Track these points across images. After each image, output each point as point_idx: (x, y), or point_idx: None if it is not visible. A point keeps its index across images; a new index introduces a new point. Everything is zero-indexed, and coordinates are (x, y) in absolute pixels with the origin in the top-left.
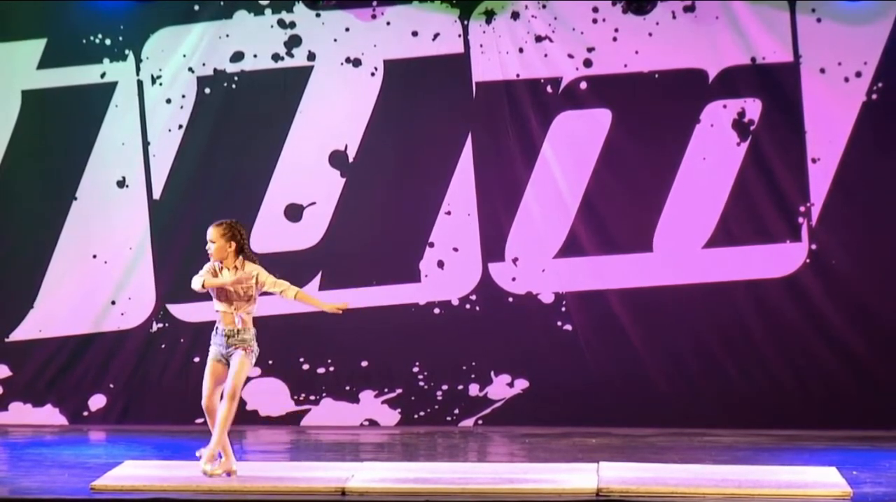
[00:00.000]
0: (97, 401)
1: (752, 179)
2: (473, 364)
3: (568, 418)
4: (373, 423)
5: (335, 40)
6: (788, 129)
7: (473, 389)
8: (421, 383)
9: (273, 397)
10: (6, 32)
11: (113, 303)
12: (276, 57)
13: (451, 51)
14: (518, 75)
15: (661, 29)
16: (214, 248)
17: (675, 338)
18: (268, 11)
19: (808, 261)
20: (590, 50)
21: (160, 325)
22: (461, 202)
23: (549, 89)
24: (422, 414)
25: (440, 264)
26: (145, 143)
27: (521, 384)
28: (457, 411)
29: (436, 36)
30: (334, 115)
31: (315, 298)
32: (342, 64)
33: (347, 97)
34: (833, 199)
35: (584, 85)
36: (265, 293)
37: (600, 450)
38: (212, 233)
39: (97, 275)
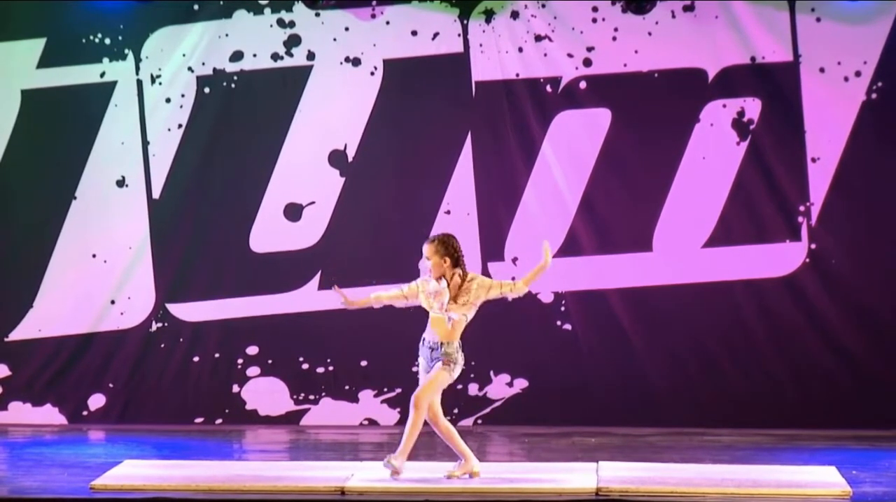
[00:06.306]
0: (96, 401)
1: (751, 179)
2: (473, 363)
3: (567, 418)
4: (372, 423)
5: (334, 40)
6: (788, 129)
7: (473, 388)
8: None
9: (272, 396)
10: (5, 31)
11: (112, 302)
12: (275, 56)
13: (450, 50)
14: (518, 75)
15: (661, 28)
16: (431, 265)
17: (674, 337)
18: (267, 11)
19: (807, 260)
20: (589, 49)
21: (159, 325)
22: (461, 201)
23: (548, 89)
24: None
25: None
26: (145, 143)
27: (521, 383)
28: (456, 410)
29: (435, 35)
30: (334, 114)
31: (534, 272)
32: (342, 63)
33: (347, 97)
34: (832, 199)
35: (583, 84)
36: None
37: (600, 450)
38: (426, 250)
39: (97, 274)
